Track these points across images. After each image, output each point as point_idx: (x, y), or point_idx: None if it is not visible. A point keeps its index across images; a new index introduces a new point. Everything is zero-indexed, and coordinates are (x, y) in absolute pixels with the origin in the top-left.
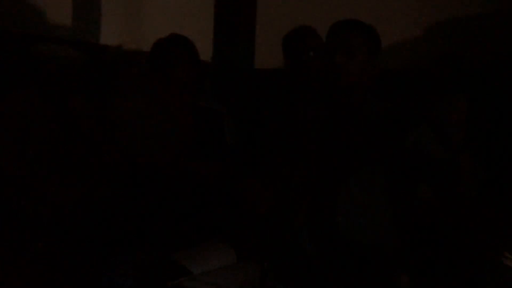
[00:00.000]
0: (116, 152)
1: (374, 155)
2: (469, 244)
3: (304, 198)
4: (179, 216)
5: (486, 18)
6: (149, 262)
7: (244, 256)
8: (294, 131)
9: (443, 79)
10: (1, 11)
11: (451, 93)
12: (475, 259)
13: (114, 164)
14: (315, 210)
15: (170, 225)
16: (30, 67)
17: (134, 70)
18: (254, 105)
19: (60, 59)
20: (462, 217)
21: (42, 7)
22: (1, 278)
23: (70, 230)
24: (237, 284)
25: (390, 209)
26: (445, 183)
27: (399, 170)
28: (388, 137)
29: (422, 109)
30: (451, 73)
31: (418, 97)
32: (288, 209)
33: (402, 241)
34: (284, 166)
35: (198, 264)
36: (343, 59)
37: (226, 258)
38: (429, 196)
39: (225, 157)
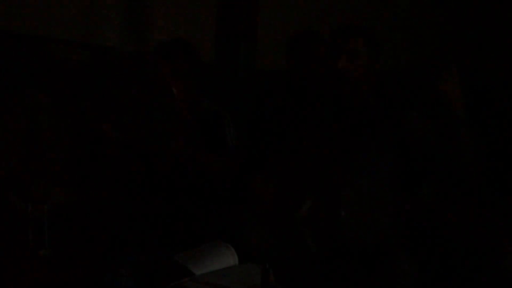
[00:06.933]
0: (124, 150)
1: (375, 144)
2: (470, 243)
3: (307, 193)
4: (181, 217)
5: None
6: (150, 263)
7: (246, 257)
8: (297, 130)
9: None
10: (8, 13)
11: (441, 66)
12: (475, 258)
13: (121, 163)
14: (319, 205)
15: (172, 226)
16: (37, 68)
17: (138, 72)
18: (256, 107)
19: (67, 60)
20: (463, 215)
21: (48, 9)
22: (1, 278)
23: (71, 231)
24: (239, 285)
25: (393, 205)
26: (447, 172)
27: (401, 161)
28: (386, 124)
29: (417, 93)
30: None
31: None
32: (291, 205)
33: (404, 239)
34: (287, 163)
35: (200, 265)
36: (346, 64)
37: (227, 259)
38: (431, 197)
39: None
